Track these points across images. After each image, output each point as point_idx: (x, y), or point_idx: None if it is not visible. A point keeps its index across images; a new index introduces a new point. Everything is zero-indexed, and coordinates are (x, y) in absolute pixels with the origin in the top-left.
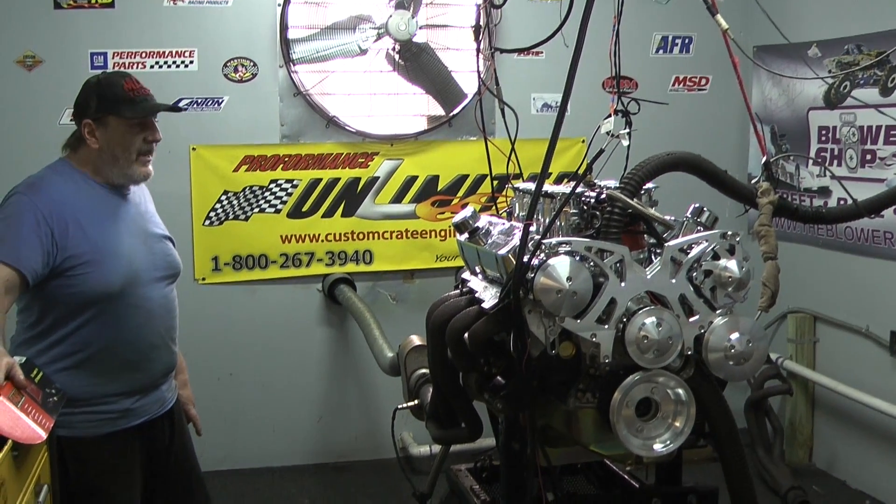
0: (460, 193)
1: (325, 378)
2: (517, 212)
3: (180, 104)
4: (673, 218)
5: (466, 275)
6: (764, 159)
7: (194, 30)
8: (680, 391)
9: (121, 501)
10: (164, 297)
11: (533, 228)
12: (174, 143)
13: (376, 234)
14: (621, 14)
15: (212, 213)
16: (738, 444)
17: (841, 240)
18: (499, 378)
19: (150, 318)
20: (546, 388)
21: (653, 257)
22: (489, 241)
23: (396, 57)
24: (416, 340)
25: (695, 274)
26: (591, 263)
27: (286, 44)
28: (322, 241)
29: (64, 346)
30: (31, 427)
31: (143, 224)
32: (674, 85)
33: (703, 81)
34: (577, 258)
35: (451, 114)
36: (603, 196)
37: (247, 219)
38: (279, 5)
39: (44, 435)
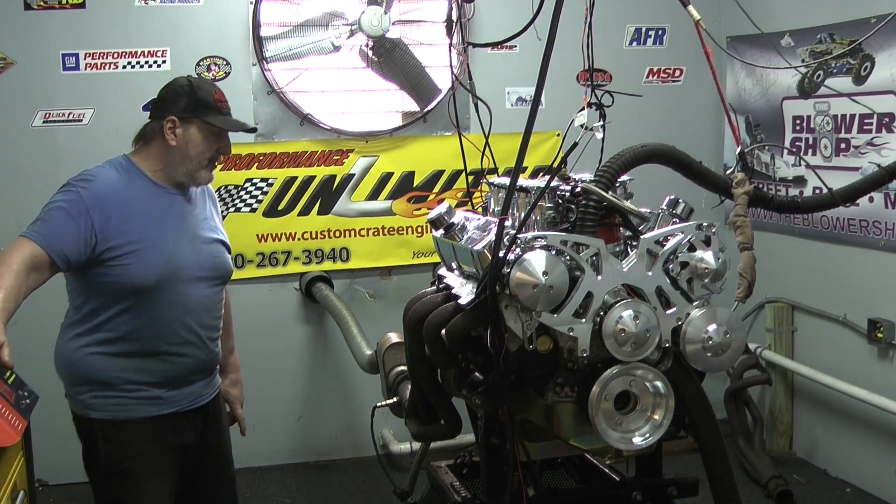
0: (436, 189)
1: (304, 377)
2: (492, 207)
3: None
4: (648, 210)
5: (443, 271)
6: (739, 149)
7: (166, 29)
8: (658, 383)
9: (149, 485)
10: (204, 296)
11: (508, 223)
12: None
13: (353, 232)
14: (593, 6)
15: None
16: (717, 435)
17: (817, 229)
18: (477, 374)
19: (185, 315)
20: (524, 382)
21: (629, 250)
22: (465, 237)
23: (370, 53)
24: (394, 337)
25: (671, 266)
26: (567, 257)
27: (259, 42)
28: (298, 239)
29: (102, 331)
30: (4, 428)
31: (194, 224)
32: (648, 77)
33: (678, 73)
34: (553, 252)
35: (426, 109)
36: (578, 189)
37: (222, 218)
38: (251, 3)
39: (17, 437)
